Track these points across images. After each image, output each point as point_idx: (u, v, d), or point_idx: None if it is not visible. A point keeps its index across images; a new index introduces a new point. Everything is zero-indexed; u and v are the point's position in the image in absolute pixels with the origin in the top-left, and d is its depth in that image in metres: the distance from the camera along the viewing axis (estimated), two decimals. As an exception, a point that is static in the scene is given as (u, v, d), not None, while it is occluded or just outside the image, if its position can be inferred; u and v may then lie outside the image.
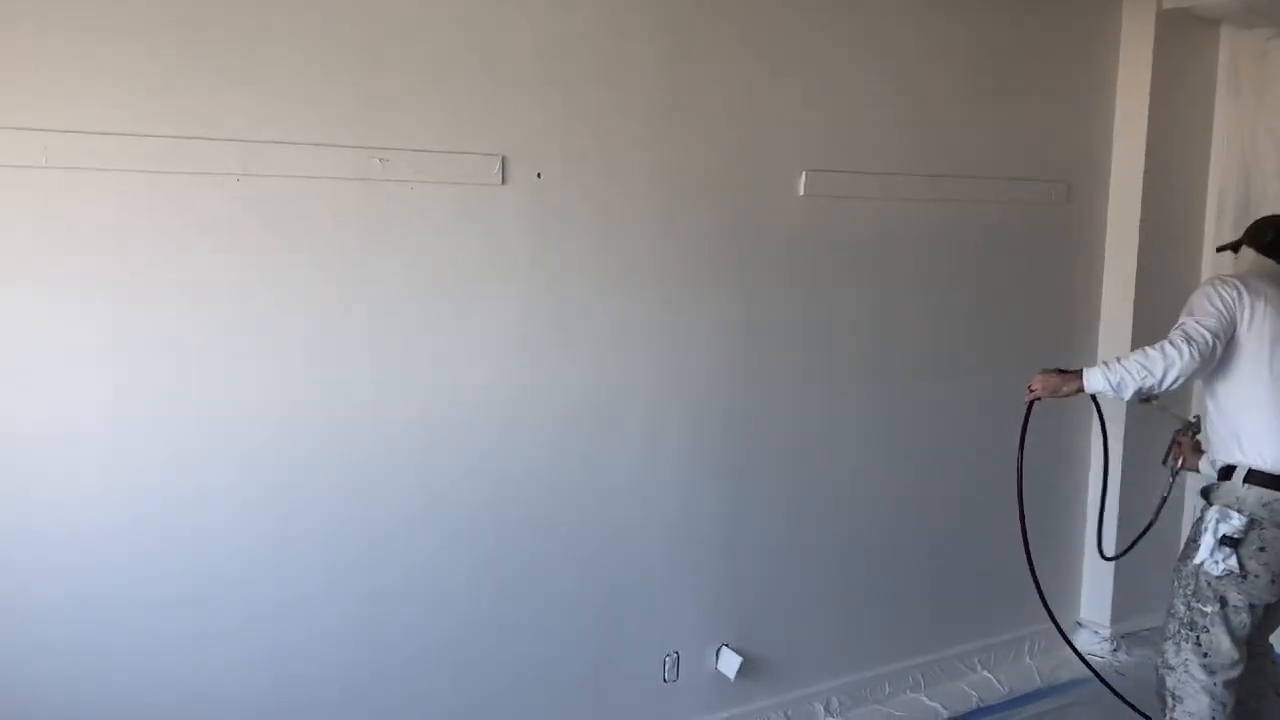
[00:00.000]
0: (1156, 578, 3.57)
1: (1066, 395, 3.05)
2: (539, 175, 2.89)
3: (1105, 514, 3.63)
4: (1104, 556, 3.69)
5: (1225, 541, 2.84)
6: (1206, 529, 2.88)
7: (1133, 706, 3.43)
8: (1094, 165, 4.05)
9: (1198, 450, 3.25)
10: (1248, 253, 3.14)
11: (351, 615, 2.77)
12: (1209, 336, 2.83)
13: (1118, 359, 2.91)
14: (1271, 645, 3.13)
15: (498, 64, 2.80)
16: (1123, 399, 2.94)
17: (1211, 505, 2.91)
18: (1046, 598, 3.38)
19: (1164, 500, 3.39)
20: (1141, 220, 4.01)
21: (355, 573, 2.76)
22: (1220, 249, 3.37)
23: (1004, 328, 3.85)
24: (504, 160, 2.83)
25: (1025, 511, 3.29)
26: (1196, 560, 2.89)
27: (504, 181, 2.84)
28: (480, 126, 2.80)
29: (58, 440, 2.40)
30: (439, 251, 2.78)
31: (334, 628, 2.75)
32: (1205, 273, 4.14)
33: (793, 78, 3.29)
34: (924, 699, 3.78)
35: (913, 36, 3.52)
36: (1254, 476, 2.87)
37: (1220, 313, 2.86)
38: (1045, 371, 3.11)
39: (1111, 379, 2.89)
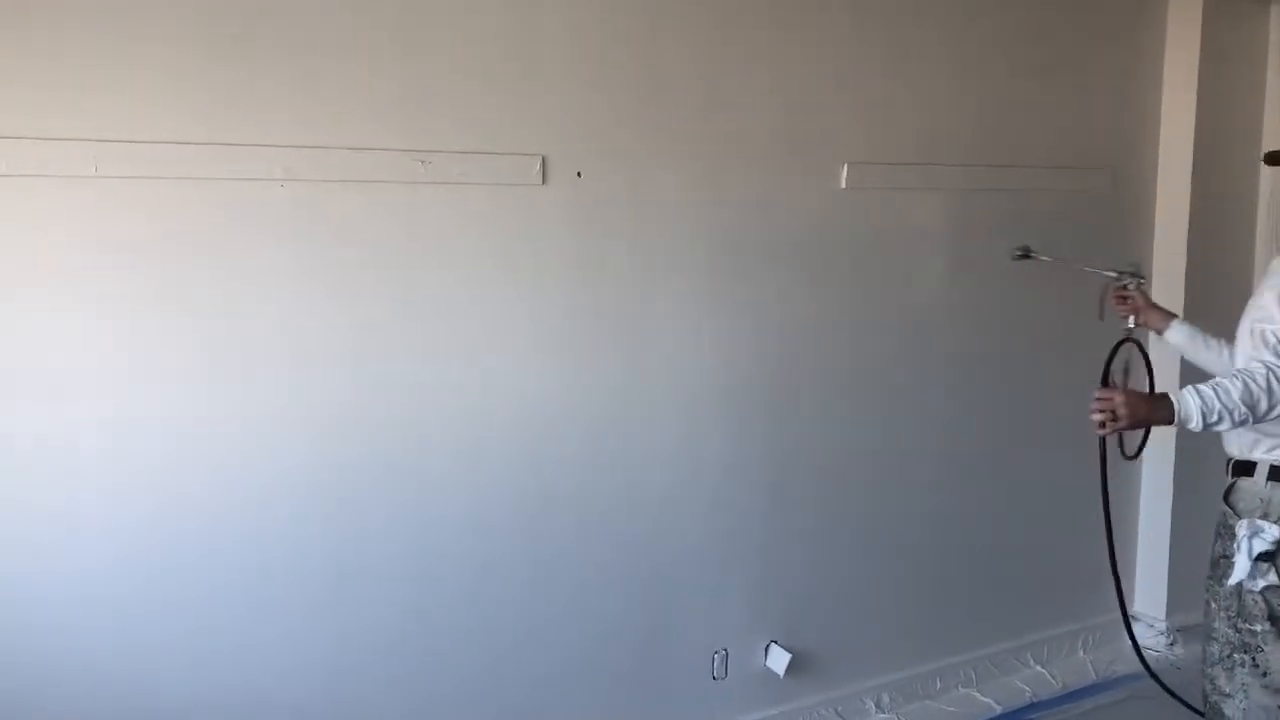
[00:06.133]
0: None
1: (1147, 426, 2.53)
2: (579, 174, 2.89)
3: None
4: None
5: (1262, 557, 2.63)
6: (1240, 548, 2.63)
7: (1184, 702, 3.33)
8: (1141, 152, 3.98)
9: (1154, 305, 2.92)
10: None
11: (397, 609, 2.79)
12: None
13: (1214, 387, 2.46)
14: None
15: (537, 65, 2.81)
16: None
17: (1240, 519, 2.66)
18: (1104, 590, 3.30)
19: (1125, 364, 2.84)
20: (1190, 209, 3.93)
21: (399, 570, 2.78)
22: (1272, 159, 2.99)
23: (1050, 321, 3.78)
24: (544, 160, 2.84)
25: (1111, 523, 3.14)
26: (1233, 580, 2.66)
27: (544, 181, 2.85)
28: (521, 127, 2.81)
29: (116, 446, 2.44)
30: (482, 252, 2.79)
31: (378, 623, 2.77)
32: (1259, 264, 3.97)
33: (832, 70, 3.27)
34: (976, 694, 3.74)
35: (952, 25, 3.48)
36: (1277, 473, 2.64)
37: None
38: (1130, 394, 2.54)
39: (1208, 415, 2.44)
